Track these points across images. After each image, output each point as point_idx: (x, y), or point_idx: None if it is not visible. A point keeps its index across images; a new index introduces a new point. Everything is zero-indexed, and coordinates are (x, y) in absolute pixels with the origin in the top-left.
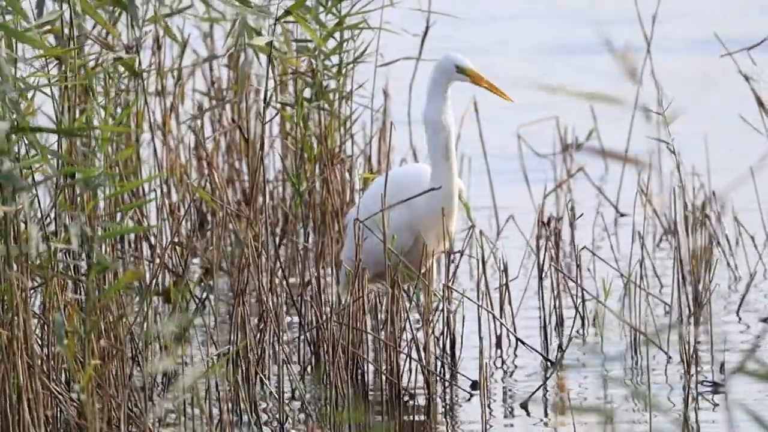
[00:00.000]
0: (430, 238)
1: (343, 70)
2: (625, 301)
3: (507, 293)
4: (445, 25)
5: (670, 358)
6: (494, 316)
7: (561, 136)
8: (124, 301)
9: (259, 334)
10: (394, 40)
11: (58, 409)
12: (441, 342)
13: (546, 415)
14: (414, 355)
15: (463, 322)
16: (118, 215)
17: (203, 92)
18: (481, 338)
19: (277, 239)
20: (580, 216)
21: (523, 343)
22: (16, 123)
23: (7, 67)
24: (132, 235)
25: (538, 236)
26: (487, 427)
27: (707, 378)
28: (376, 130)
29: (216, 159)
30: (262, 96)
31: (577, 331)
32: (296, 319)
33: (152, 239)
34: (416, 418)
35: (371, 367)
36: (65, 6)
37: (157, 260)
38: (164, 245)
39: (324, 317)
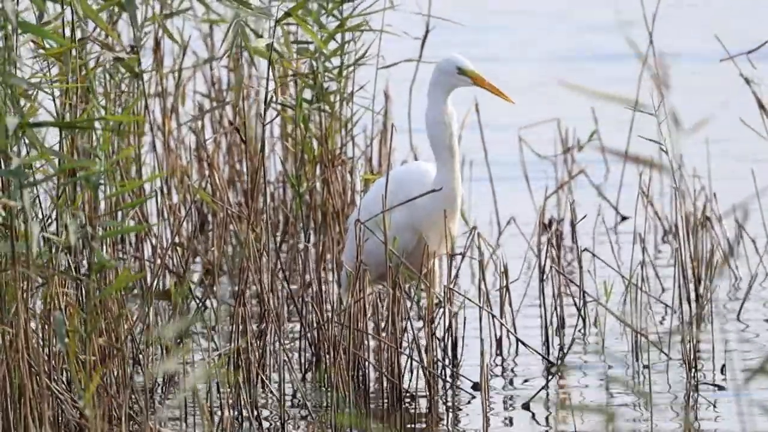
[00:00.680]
0: (432, 238)
1: (344, 72)
2: (626, 302)
3: (508, 295)
4: (456, 31)
5: (670, 359)
6: (495, 318)
7: (562, 137)
8: (124, 301)
9: (260, 335)
10: (395, 43)
11: (60, 409)
12: (442, 343)
13: (547, 416)
14: (415, 356)
15: (464, 323)
16: (119, 214)
17: (204, 94)
18: (482, 340)
19: (278, 240)
20: (583, 218)
21: (524, 344)
22: (27, 120)
23: (19, 59)
24: (133, 237)
25: (539, 238)
26: (488, 428)
27: (708, 379)
28: (376, 132)
29: (217, 160)
30: (261, 97)
31: (579, 330)
32: (297, 325)
33: (153, 240)
34: (417, 419)
35: (372, 369)
36: (66, 7)
37: (158, 261)
38: (165, 246)
39: (325, 318)
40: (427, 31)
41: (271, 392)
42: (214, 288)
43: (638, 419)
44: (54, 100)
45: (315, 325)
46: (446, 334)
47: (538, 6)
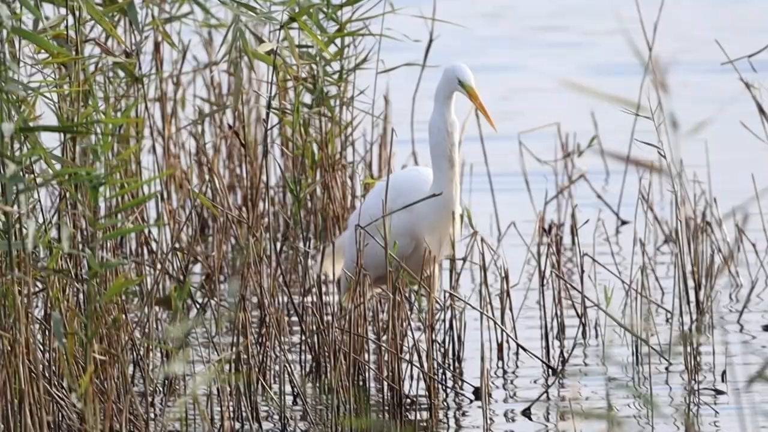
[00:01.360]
0: (431, 243)
1: (344, 77)
2: (627, 307)
3: (508, 300)
4: (460, 36)
5: (671, 364)
6: (496, 323)
7: (562, 142)
8: (123, 306)
9: (260, 340)
10: (396, 46)
11: (60, 414)
12: (443, 348)
13: (548, 421)
14: (416, 361)
15: (465, 328)
16: (119, 216)
17: (204, 98)
18: (482, 345)
19: (278, 245)
20: (585, 222)
21: (525, 349)
22: (19, 125)
23: (14, 65)
24: (133, 241)
25: (540, 243)
26: None
27: (709, 384)
28: (377, 136)
29: (217, 164)
30: (262, 102)
31: (581, 334)
32: (297, 330)
33: (153, 245)
34: (418, 424)
35: (372, 374)
36: (68, 10)
37: (158, 266)
38: (165, 251)
39: (325, 323)
40: (431, 40)
41: (272, 398)
42: (215, 293)
43: (640, 424)
44: (55, 105)
45: (315, 330)
46: (447, 339)
47: (541, 14)
